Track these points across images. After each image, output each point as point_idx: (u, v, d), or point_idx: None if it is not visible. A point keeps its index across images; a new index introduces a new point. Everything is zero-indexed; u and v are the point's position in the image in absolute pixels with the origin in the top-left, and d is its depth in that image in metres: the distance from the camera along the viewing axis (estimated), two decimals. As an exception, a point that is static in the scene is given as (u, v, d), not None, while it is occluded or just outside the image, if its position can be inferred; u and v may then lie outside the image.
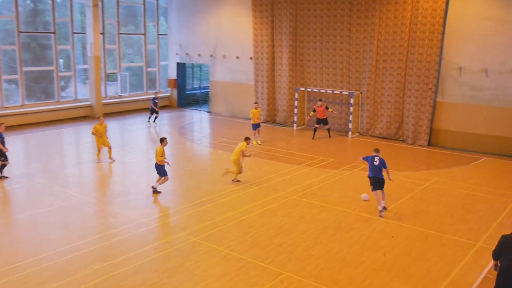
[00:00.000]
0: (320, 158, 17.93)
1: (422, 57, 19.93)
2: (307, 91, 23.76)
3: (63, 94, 25.97)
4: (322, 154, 18.41)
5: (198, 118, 26.73)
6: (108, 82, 27.66)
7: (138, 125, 24.04)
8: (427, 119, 20.15)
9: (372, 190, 12.48)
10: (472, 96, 19.29)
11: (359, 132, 22.53)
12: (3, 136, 14.78)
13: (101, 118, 17.17)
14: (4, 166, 14.80)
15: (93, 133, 16.81)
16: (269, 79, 24.95)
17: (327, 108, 21.29)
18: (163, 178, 13.69)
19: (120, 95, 27.83)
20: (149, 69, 29.67)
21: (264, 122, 24.83)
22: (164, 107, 29.55)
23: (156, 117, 23.92)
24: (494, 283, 8.58)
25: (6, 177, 14.74)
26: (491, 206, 13.13)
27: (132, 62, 29.55)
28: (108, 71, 27.60)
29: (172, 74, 29.85)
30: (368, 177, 12.57)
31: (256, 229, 11.31)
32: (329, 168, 16.71)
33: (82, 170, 16.23)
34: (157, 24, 29.75)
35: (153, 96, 24.30)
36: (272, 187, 14.49)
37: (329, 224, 11.72)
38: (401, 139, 21.31)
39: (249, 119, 24.64)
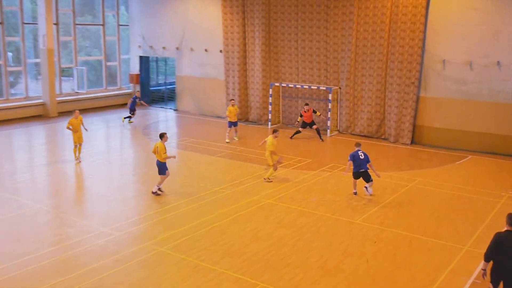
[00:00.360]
0: (297, 158, 18.01)
1: (404, 50, 20.24)
2: (282, 86, 23.84)
3: (12, 91, 25.38)
4: (299, 155, 18.49)
5: (164, 117, 26.53)
6: (63, 78, 27.18)
7: (97, 125, 23.68)
8: (410, 116, 20.46)
9: (355, 178, 14.05)
10: (456, 90, 19.68)
11: (338, 130, 22.73)
12: None
13: (76, 111, 17.36)
14: None
15: (68, 128, 16.91)
16: (240, 74, 24.95)
17: (314, 111, 21.37)
18: (163, 176, 13.94)
19: (76, 92, 27.39)
20: (108, 63, 29.28)
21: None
22: (126, 105, 29.13)
23: (130, 117, 23.97)
24: (482, 289, 8.80)
25: None
26: (478, 207, 13.40)
27: (90, 55, 29.13)
28: (63, 66, 27.12)
29: (135, 68, 29.54)
30: (354, 172, 13.85)
31: (229, 237, 11.27)
32: (306, 169, 16.79)
33: (35, 175, 15.88)
34: (117, 13, 29.38)
35: (135, 95, 24.45)
36: (245, 191, 14.47)
37: (307, 230, 11.76)
38: (382, 137, 21.60)
39: (220, 117, 24.65)
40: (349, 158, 13.88)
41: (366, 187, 14.15)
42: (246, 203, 13.42)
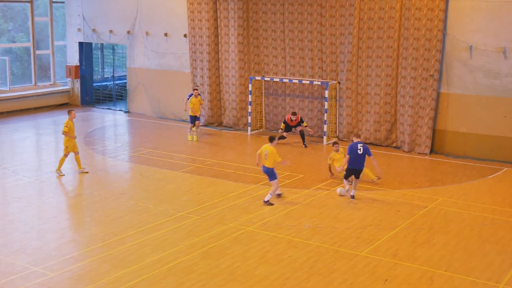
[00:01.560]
0: (285, 173, 18.08)
1: (420, 33, 20.48)
2: (265, 80, 23.95)
3: None
4: (288, 169, 18.53)
5: (112, 121, 26.49)
6: (-22, 71, 27.01)
7: (25, 132, 23.49)
8: (428, 118, 20.69)
9: (346, 178, 15.46)
10: (487, 85, 19.93)
11: (337, 136, 22.85)
12: None
13: (72, 111, 18.07)
14: None
15: (64, 133, 17.54)
16: (211, 65, 25.02)
17: (302, 121, 21.57)
18: (276, 181, 15.27)
19: (-3, 90, 27.21)
20: (38, 52, 29.15)
21: (206, 125, 24.86)
22: (62, 105, 29.06)
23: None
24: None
25: None
26: (516, 234, 13.62)
27: (14, 41, 28.96)
28: (-22, 55, 26.97)
29: (73, 59, 29.47)
30: (348, 168, 15.01)
31: (198, 276, 11.25)
32: (297, 187, 16.88)
33: None
34: (50, -13, 29.35)
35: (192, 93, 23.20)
36: (219, 216, 14.49)
37: (299, 265, 11.80)
38: (394, 145, 21.80)
39: (184, 121, 24.68)
40: (347, 151, 15.20)
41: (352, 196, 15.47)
42: (220, 232, 13.42)
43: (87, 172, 17.80)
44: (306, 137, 21.65)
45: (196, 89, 22.14)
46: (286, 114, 22.56)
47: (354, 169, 15.59)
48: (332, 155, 17.30)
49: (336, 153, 17.20)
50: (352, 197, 15.64)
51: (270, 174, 15.30)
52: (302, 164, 19.46)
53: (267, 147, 15.33)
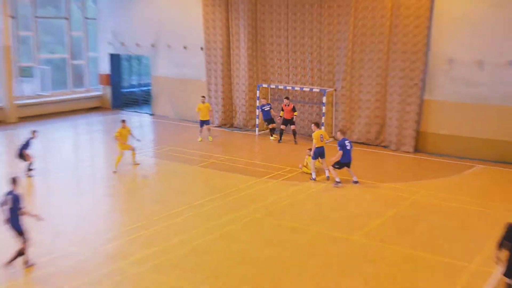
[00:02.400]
0: (287, 168, 18.24)
1: (407, 47, 20.55)
2: (271, 88, 24.09)
3: (-35, 93, 25.37)
4: (290, 164, 18.69)
5: (138, 122, 26.66)
6: (22, 79, 27.17)
7: (64, 131, 23.72)
8: (413, 121, 20.77)
9: (338, 168, 16.19)
10: (465, 93, 19.96)
11: (333, 137, 22.92)
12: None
13: (124, 121, 18.59)
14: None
15: (116, 137, 18.02)
16: (224, 74, 25.16)
17: (294, 109, 21.80)
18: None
19: (39, 95, 27.39)
20: (74, 62, 29.37)
21: (219, 126, 25.02)
22: (95, 109, 29.29)
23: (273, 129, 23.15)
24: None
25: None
26: (488, 222, 13.67)
27: (53, 53, 29.17)
28: (22, 65, 27.13)
29: (104, 68, 29.64)
30: (340, 162, 15.74)
31: (213, 257, 11.44)
32: (299, 180, 17.02)
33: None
34: (84, 5, 29.49)
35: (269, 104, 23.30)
36: (231, 204, 14.67)
37: (300, 248, 11.97)
38: (383, 144, 21.89)
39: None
40: (338, 148, 15.78)
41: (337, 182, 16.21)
42: (231, 219, 13.58)
43: (138, 164, 18.38)
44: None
45: (203, 97, 22.54)
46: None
47: (346, 163, 16.20)
48: (307, 159, 17.57)
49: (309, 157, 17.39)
50: (356, 182, 16.43)
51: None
52: (301, 160, 19.54)
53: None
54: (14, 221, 10.47)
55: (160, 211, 14.06)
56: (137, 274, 10.60)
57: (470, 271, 11.01)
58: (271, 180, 16.87)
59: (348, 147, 16.10)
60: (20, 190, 10.79)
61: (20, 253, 10.55)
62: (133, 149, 18.29)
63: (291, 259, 11.42)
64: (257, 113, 24.05)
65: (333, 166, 16.29)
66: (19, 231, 10.53)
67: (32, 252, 11.52)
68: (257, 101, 23.92)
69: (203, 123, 21.91)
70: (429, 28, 20.13)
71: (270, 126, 22.88)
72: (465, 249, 12.08)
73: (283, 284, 10.34)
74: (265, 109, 22.64)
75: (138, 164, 18.27)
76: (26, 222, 10.73)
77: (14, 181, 10.76)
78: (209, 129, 21.81)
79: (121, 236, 12.51)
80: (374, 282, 10.45)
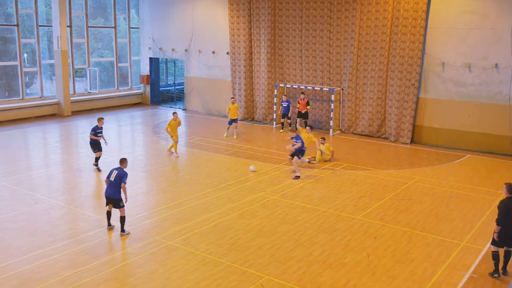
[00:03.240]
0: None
1: (405, 52, 20.22)
2: (286, 87, 23.86)
3: (28, 91, 25.53)
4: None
5: (173, 116, 26.51)
6: (76, 78, 27.30)
7: (109, 123, 23.76)
8: (409, 116, 20.44)
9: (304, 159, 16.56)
10: (455, 92, 19.64)
11: (340, 129, 22.73)
12: (100, 130, 16.04)
13: (175, 113, 18.43)
14: (98, 158, 16.07)
15: (166, 130, 18.01)
16: (246, 75, 24.98)
17: (308, 103, 21.56)
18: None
19: (89, 92, 27.50)
20: (120, 65, 29.39)
21: (242, 120, 24.88)
22: (137, 104, 29.37)
23: (289, 123, 22.45)
24: (479, 283, 8.91)
25: (100, 170, 15.90)
26: (476, 205, 13.39)
27: (102, 57, 29.23)
28: (76, 67, 27.25)
29: (145, 69, 29.63)
30: (302, 149, 15.65)
31: (235, 232, 11.32)
32: (309, 167, 16.80)
33: (50, 172, 15.98)
34: (128, 16, 29.47)
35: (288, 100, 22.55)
36: (250, 187, 14.51)
37: (310, 225, 11.80)
38: (383, 136, 21.58)
39: (226, 116, 24.81)
40: (299, 140, 15.62)
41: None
42: (251, 200, 13.46)
43: (178, 156, 17.90)
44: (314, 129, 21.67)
45: (233, 98, 22.11)
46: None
47: (304, 150, 15.84)
48: (320, 146, 17.54)
49: (322, 145, 17.51)
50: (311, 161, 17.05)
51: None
52: (313, 150, 19.30)
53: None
54: (116, 191, 10.96)
55: (188, 192, 13.96)
56: (168, 246, 10.48)
57: (461, 247, 10.72)
58: (286, 166, 16.64)
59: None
60: (126, 169, 11.27)
61: (123, 218, 11.03)
62: (176, 141, 18.07)
63: (302, 234, 11.25)
64: (274, 109, 23.83)
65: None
66: (118, 199, 10.99)
67: (82, 227, 11.51)
68: (275, 98, 23.71)
69: (232, 121, 21.33)
70: (424, 36, 19.83)
71: (283, 120, 22.48)
72: (456, 228, 11.81)
73: (295, 255, 10.17)
74: (284, 105, 22.17)
75: (177, 156, 17.89)
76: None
77: (122, 161, 11.36)
78: (235, 127, 21.36)
79: (156, 214, 12.41)
80: (375, 255, 10.26)
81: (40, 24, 25.34)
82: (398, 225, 11.87)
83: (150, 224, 11.78)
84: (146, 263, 9.76)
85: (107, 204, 11.22)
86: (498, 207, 9.33)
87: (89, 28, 27.53)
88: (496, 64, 18.55)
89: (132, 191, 14.06)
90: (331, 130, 22.20)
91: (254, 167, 16.12)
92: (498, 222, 9.24)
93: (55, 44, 25.23)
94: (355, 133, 22.27)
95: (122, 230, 11.05)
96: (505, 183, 9.46)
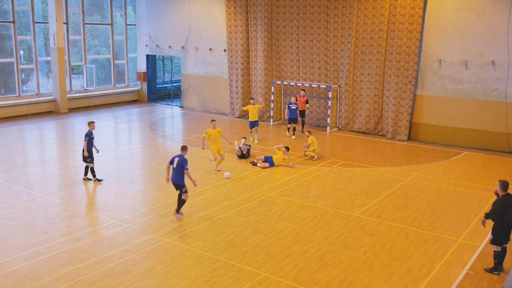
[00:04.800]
0: (297, 154, 18.01)
1: (402, 50, 20.22)
2: (284, 84, 23.84)
3: (24, 88, 25.44)
4: (299, 150, 18.48)
5: (170, 113, 26.55)
6: (73, 75, 27.23)
7: (106, 120, 23.72)
8: (406, 113, 20.46)
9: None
10: (452, 89, 19.66)
11: (337, 127, 22.73)
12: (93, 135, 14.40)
13: (214, 121, 16.20)
14: (92, 168, 14.48)
15: (203, 138, 15.86)
16: (244, 73, 24.95)
17: (307, 102, 21.35)
18: None
19: (86, 89, 27.43)
20: (117, 62, 29.30)
21: (239, 117, 24.85)
22: (133, 101, 29.30)
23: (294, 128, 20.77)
24: (475, 279, 8.92)
25: (100, 180, 14.55)
26: (472, 201, 13.42)
27: (99, 54, 29.13)
28: (72, 64, 27.17)
29: (142, 67, 29.55)
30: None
31: (232, 229, 11.31)
32: (306, 164, 16.81)
33: (46, 169, 15.94)
34: (125, 13, 29.37)
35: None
36: (248, 184, 14.50)
37: (307, 222, 11.80)
38: (380, 133, 21.59)
39: (223, 113, 24.80)
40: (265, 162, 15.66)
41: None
42: (248, 197, 13.45)
43: (219, 170, 15.79)
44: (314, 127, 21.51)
45: (253, 99, 20.54)
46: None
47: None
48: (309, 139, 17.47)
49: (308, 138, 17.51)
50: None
51: None
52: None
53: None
54: (179, 177, 11.64)
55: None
56: (166, 244, 10.47)
57: (457, 244, 10.74)
58: (283, 164, 16.61)
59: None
60: (186, 156, 11.94)
61: (183, 201, 11.81)
62: (222, 157, 15.80)
63: (299, 231, 11.25)
64: (271, 106, 23.79)
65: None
66: (181, 185, 11.69)
67: (78, 224, 11.48)
68: (272, 96, 23.67)
69: (252, 124, 19.65)
70: (421, 33, 19.84)
71: (289, 126, 20.55)
72: (452, 225, 11.82)
73: (292, 253, 10.17)
74: (292, 108, 20.26)
75: (219, 170, 15.81)
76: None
77: (183, 148, 12.00)
78: (256, 131, 19.83)
79: (154, 211, 12.39)
80: (372, 252, 10.27)
81: (36, 21, 25.23)
82: (395, 222, 11.89)
83: (148, 221, 11.76)
84: (143, 260, 9.75)
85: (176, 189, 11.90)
86: (494, 204, 9.39)
87: (86, 25, 27.43)
88: (493, 61, 18.57)
89: (129, 188, 14.06)
90: (328, 127, 22.20)
91: (228, 174, 15.09)
92: (489, 216, 9.41)
93: (51, 41, 25.13)
94: (352, 130, 22.28)
95: (177, 211, 11.88)
96: (499, 181, 9.51)
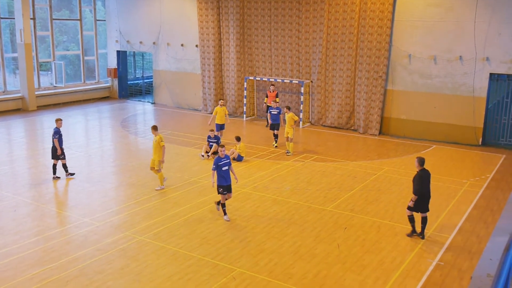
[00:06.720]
0: (270, 149, 18.08)
1: (372, 45, 20.46)
2: (256, 80, 23.87)
3: (-10, 85, 24.83)
4: (272, 146, 18.55)
5: (142, 110, 26.29)
6: (41, 72, 26.69)
7: (76, 118, 23.35)
8: (377, 108, 20.73)
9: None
10: (421, 83, 20.01)
11: (310, 122, 22.89)
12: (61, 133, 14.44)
13: (222, 101, 18.21)
14: (64, 164, 14.52)
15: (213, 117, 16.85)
16: (216, 68, 24.87)
17: (277, 96, 21.40)
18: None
19: (55, 86, 26.92)
20: (86, 58, 28.84)
21: (211, 113, 24.72)
22: (104, 98, 28.89)
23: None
24: (445, 270, 9.12)
25: (73, 174, 14.72)
26: (442, 194, 13.70)
27: (68, 50, 28.63)
28: (40, 60, 26.63)
29: (112, 63, 29.15)
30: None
31: (206, 225, 11.30)
32: (280, 160, 16.89)
33: (15, 168, 15.61)
34: (94, 8, 28.91)
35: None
36: (221, 180, 14.46)
37: (281, 217, 11.87)
38: (352, 128, 21.83)
39: (196, 110, 24.67)
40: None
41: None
42: (223, 193, 13.41)
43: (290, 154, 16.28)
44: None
45: (222, 100, 18.99)
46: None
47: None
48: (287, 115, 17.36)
49: (287, 114, 17.39)
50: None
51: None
52: (283, 142, 19.38)
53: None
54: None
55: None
56: (139, 242, 10.40)
57: (428, 236, 10.96)
58: (256, 159, 16.69)
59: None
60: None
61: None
62: (290, 140, 16.65)
63: (274, 226, 11.31)
64: (244, 102, 23.80)
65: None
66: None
67: (49, 223, 11.29)
68: (245, 91, 23.68)
69: (220, 127, 18.38)
70: (391, 28, 20.12)
71: (275, 132, 18.51)
72: (422, 217, 12.01)
73: (266, 248, 10.23)
74: (273, 113, 18.41)
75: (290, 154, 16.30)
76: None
77: (220, 146, 11.78)
78: (221, 134, 18.40)
79: (126, 209, 12.28)
80: (345, 246, 10.41)
81: (2, 17, 24.62)
82: (367, 216, 12.06)
83: (120, 219, 11.65)
84: (117, 259, 9.67)
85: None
86: (414, 179, 10.61)
87: (54, 21, 26.90)
88: (460, 56, 18.97)
89: (101, 186, 13.90)
90: (300, 122, 22.33)
91: (288, 187, 13.91)
92: (416, 192, 10.53)
93: (18, 37, 24.55)
94: (324, 125, 22.47)
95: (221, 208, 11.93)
96: (417, 157, 10.85)
